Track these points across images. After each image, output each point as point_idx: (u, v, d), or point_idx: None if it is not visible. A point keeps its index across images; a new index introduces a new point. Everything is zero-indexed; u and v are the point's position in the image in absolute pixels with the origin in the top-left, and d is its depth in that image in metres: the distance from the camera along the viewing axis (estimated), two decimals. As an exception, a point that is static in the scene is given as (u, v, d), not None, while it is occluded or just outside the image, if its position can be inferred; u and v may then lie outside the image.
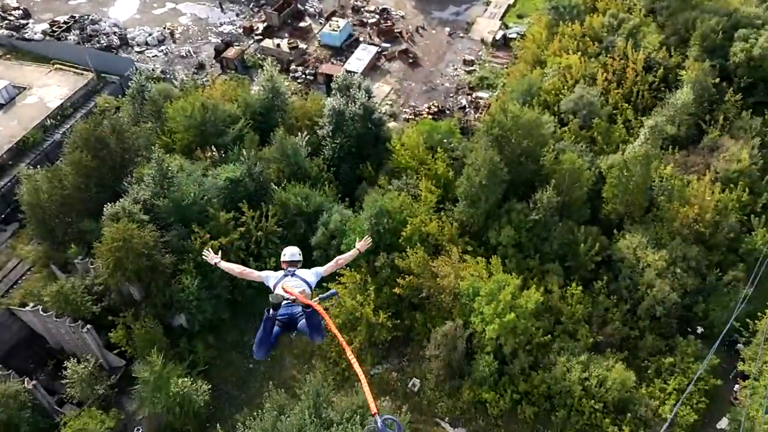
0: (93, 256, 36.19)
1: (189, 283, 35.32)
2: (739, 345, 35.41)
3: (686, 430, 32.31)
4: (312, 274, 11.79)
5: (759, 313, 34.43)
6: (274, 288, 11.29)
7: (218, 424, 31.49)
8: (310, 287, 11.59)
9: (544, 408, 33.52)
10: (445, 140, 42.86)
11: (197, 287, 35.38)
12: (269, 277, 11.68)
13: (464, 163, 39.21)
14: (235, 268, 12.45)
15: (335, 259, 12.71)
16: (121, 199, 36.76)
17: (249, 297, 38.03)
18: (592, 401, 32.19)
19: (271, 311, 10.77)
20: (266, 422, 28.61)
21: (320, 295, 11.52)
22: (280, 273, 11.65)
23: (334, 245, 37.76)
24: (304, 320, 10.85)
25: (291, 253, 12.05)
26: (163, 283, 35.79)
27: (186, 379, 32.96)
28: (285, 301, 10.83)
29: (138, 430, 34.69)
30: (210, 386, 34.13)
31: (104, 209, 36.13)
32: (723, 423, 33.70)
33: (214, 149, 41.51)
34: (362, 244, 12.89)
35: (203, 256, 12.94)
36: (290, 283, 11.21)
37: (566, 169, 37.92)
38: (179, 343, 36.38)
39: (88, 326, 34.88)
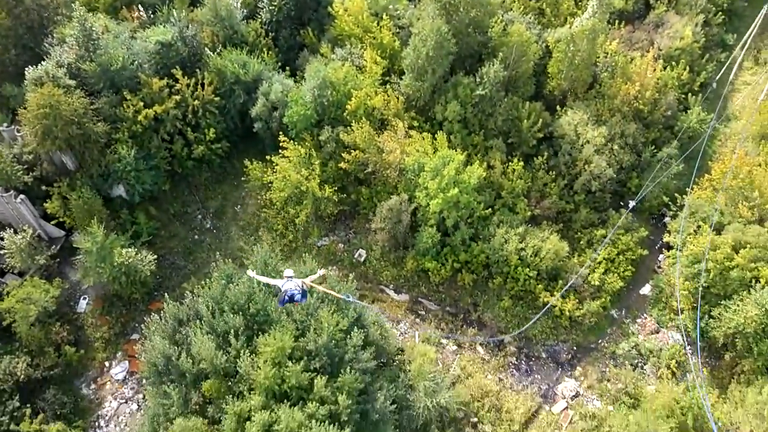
0: (19, 123, 33.65)
1: (125, 153, 33.63)
2: (666, 218, 37.26)
3: (611, 295, 34.45)
4: (299, 282, 20.21)
5: (687, 188, 36.06)
6: (283, 285, 20.04)
7: (166, 294, 31.39)
8: (302, 284, 20.23)
9: (483, 276, 35.00)
10: (390, 6, 40.64)
11: (134, 158, 33.78)
12: (280, 281, 20.50)
13: (411, 33, 37.57)
14: (269, 280, 23.41)
15: (308, 279, 20.99)
16: (43, 62, 33.71)
17: (189, 169, 36.73)
18: (527, 269, 33.67)
19: (286, 296, 19.88)
20: (215, 290, 28.60)
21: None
22: (285, 280, 20.19)
23: (275, 117, 36.40)
24: (300, 296, 19.93)
25: (288, 272, 20.64)
26: (98, 152, 34.00)
27: (130, 250, 32.26)
28: (287, 290, 19.86)
29: (84, 299, 34.24)
30: (156, 256, 33.63)
31: (26, 73, 33.13)
32: (646, 289, 36.18)
33: (141, 9, 38.13)
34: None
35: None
36: (290, 284, 19.96)
37: (514, 41, 36.93)
38: (120, 214, 35.28)
39: (22, 196, 33.13)
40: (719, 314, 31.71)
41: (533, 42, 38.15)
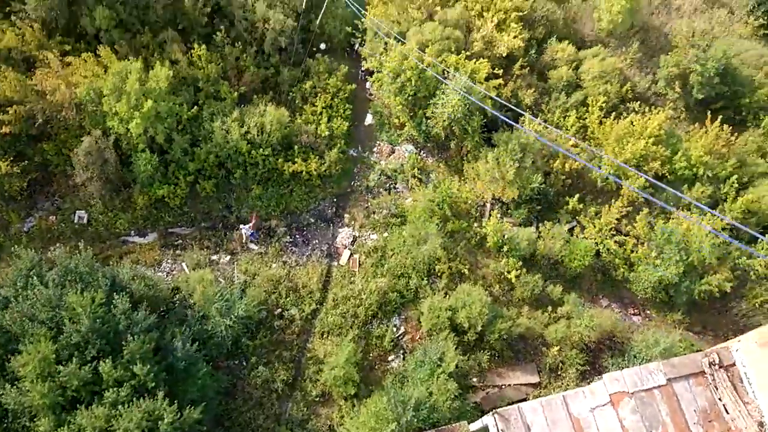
0: None
1: None
2: (357, 47, 37.27)
3: (344, 138, 34.40)
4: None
5: (363, 12, 35.95)
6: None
7: None
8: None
9: (222, 176, 32.26)
10: None
11: None
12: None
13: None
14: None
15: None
16: None
17: None
18: (260, 149, 31.66)
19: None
20: None
21: None
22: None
23: None
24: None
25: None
26: None
27: None
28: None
29: None
30: None
31: None
32: (369, 119, 36.78)
33: None
34: None
35: None
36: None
37: None
38: None
39: None
40: (432, 112, 33.53)
41: None
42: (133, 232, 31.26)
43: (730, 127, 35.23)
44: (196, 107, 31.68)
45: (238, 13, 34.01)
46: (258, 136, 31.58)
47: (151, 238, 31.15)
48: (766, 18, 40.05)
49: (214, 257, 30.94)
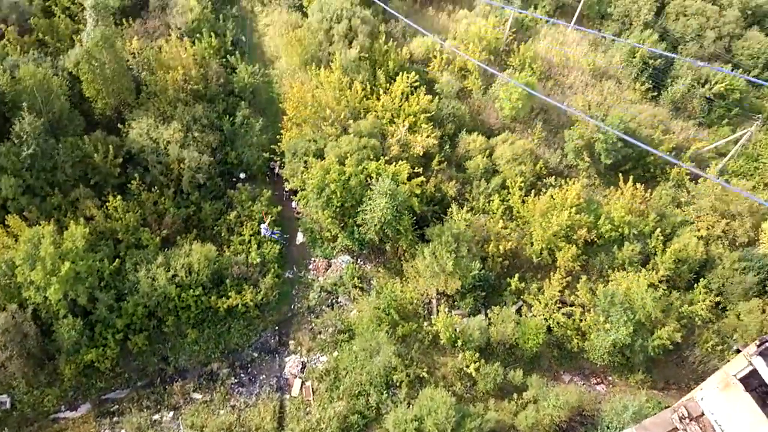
0: None
1: None
2: (277, 170, 37.44)
3: (276, 261, 33.66)
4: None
5: (278, 136, 36.52)
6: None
7: None
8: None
9: (153, 326, 30.53)
10: None
11: None
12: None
13: None
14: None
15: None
16: None
17: None
18: (191, 291, 30.42)
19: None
20: None
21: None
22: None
23: None
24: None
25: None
26: None
27: None
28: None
29: None
30: None
31: None
32: (300, 237, 36.34)
33: None
34: None
35: None
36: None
37: (30, 85, 31.27)
38: None
39: None
40: (362, 219, 33.50)
41: (52, 76, 32.90)
42: (63, 407, 28.62)
43: (643, 185, 36.91)
44: (117, 260, 30.43)
45: (152, 158, 33.73)
46: (186, 277, 30.41)
47: (84, 410, 28.54)
48: (650, 82, 43.28)
49: (156, 416, 28.51)
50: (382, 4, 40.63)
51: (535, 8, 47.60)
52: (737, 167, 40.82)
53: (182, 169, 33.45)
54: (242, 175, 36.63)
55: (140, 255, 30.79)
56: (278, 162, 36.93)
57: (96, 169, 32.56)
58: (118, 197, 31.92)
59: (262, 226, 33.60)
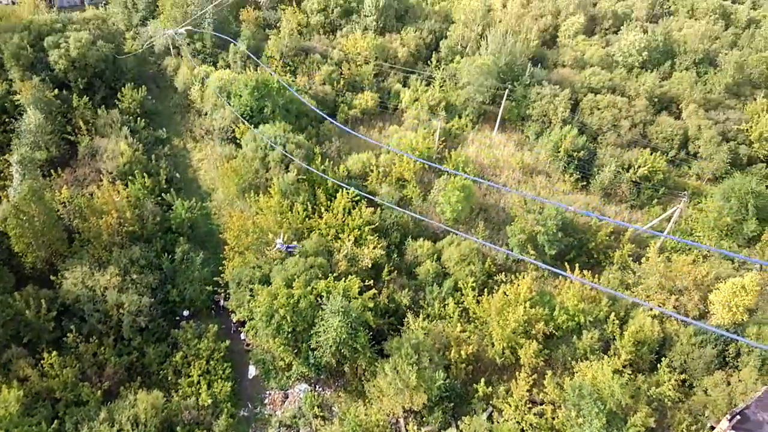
0: None
1: None
2: (221, 302, 36.87)
3: (229, 400, 32.26)
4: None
5: (220, 268, 36.33)
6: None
7: None
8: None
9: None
10: None
11: None
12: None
13: None
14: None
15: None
16: None
17: None
18: (140, 446, 28.51)
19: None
20: None
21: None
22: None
23: None
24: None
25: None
26: None
27: None
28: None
29: None
30: None
31: None
32: (252, 371, 35.16)
33: None
34: None
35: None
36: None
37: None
38: None
39: None
40: (316, 342, 32.91)
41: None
42: None
43: (590, 271, 38.17)
44: (56, 421, 28.52)
45: (88, 307, 32.71)
46: (133, 430, 28.58)
47: None
48: (578, 173, 46.13)
49: None
50: (330, 119, 41.90)
51: (460, 118, 50.94)
52: (675, 243, 42.96)
53: (122, 315, 32.51)
54: (186, 313, 35.86)
55: (81, 413, 28.99)
56: (223, 294, 36.47)
57: (28, 326, 31.26)
58: (54, 353, 30.51)
59: (278, 241, 35.48)
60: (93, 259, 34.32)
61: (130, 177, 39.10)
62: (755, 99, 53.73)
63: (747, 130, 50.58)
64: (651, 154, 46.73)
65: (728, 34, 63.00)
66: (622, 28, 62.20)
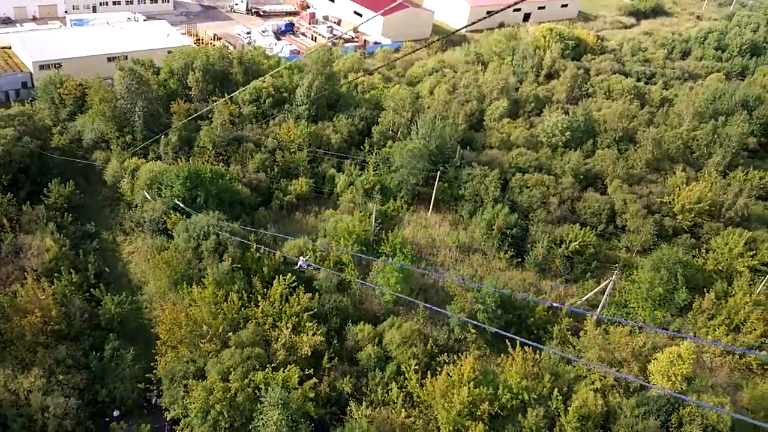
0: None
1: None
2: (155, 400, 36.62)
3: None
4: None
5: (152, 364, 36.36)
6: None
7: None
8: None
9: None
10: None
11: None
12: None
13: None
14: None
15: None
16: None
17: None
18: None
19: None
20: None
21: None
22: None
23: None
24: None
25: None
26: None
27: None
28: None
29: None
30: None
31: None
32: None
33: None
34: None
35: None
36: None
37: None
38: None
39: None
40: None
41: None
42: None
43: (531, 348, 40.14)
44: None
45: (11, 412, 32.03)
46: None
47: None
48: (512, 250, 49.27)
49: None
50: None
51: (395, 200, 53.94)
52: (611, 314, 45.87)
53: (47, 419, 31.95)
54: (116, 413, 35.38)
55: None
56: (155, 391, 36.30)
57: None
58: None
59: (302, 259, 38.33)
60: (16, 361, 33.93)
61: (56, 273, 39.27)
62: (674, 173, 59.43)
63: (669, 202, 55.65)
64: (581, 228, 50.61)
65: (644, 113, 70.09)
66: (544, 110, 68.33)
